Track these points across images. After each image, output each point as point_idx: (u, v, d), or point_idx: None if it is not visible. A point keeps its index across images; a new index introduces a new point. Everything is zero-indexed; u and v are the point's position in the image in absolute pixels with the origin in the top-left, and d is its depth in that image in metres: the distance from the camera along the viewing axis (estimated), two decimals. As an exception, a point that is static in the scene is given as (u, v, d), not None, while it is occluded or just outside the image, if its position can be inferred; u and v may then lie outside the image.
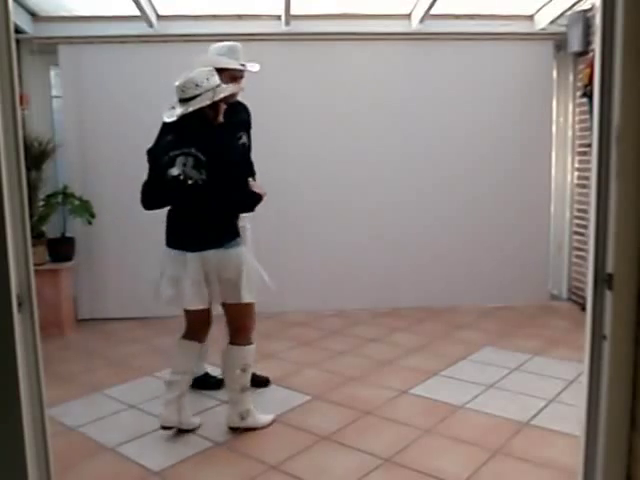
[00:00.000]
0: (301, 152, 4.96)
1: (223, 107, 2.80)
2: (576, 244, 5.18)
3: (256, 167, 3.27)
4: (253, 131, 3.32)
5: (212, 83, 2.70)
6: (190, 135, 2.71)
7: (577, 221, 5.14)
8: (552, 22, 4.92)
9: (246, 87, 4.86)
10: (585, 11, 4.64)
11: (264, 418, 2.96)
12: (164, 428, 2.84)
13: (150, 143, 4.82)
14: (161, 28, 4.84)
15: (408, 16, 4.95)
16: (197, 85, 2.67)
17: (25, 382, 1.36)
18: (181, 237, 2.76)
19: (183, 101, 2.70)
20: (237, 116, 3.24)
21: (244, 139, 3.22)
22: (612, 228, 1.40)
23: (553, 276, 5.34)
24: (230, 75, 3.10)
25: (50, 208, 4.53)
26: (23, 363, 1.36)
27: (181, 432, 2.87)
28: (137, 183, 4.86)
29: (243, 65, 3.20)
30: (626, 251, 1.40)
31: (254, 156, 3.30)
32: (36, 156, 4.48)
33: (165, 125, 2.86)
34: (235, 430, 2.87)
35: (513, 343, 4.17)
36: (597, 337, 1.46)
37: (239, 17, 4.88)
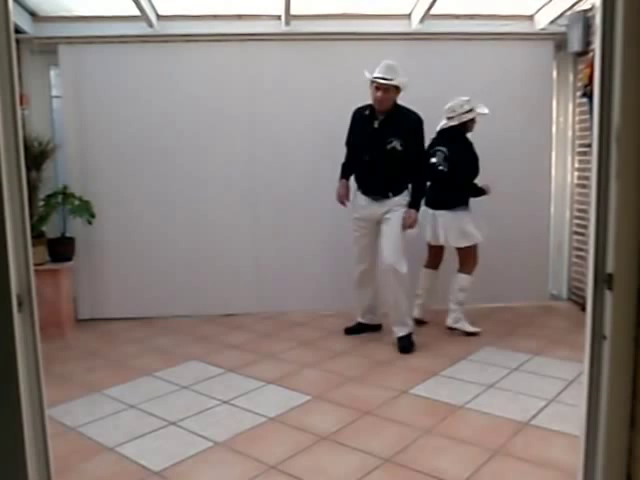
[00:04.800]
0: (302, 150, 4.96)
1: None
2: (576, 244, 5.17)
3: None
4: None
5: (463, 110, 4.23)
6: (444, 139, 4.33)
7: (577, 221, 5.14)
8: (552, 22, 4.91)
9: (243, 87, 4.90)
10: (585, 11, 4.64)
11: (471, 327, 4.34)
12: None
13: (149, 142, 4.90)
14: (161, 28, 4.84)
15: (408, 16, 4.95)
16: (454, 110, 4.26)
17: (25, 382, 1.36)
18: (431, 201, 4.33)
19: (449, 118, 4.28)
20: (393, 122, 4.04)
21: (394, 143, 4.01)
22: (612, 228, 1.40)
23: (553, 276, 5.34)
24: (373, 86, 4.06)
25: (50, 208, 4.52)
26: (23, 363, 1.36)
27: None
28: (137, 183, 4.92)
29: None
30: (626, 251, 1.40)
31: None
32: (36, 156, 4.47)
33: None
34: (452, 330, 4.35)
35: (513, 343, 4.17)
36: (597, 337, 1.46)
37: (239, 17, 4.87)
